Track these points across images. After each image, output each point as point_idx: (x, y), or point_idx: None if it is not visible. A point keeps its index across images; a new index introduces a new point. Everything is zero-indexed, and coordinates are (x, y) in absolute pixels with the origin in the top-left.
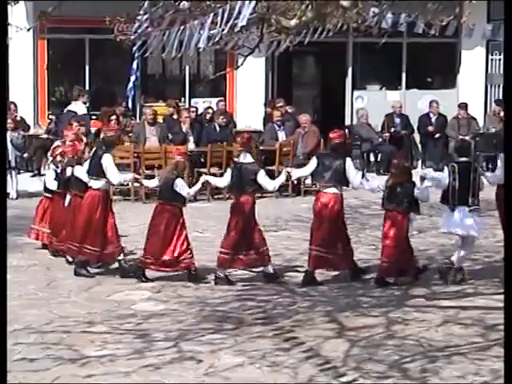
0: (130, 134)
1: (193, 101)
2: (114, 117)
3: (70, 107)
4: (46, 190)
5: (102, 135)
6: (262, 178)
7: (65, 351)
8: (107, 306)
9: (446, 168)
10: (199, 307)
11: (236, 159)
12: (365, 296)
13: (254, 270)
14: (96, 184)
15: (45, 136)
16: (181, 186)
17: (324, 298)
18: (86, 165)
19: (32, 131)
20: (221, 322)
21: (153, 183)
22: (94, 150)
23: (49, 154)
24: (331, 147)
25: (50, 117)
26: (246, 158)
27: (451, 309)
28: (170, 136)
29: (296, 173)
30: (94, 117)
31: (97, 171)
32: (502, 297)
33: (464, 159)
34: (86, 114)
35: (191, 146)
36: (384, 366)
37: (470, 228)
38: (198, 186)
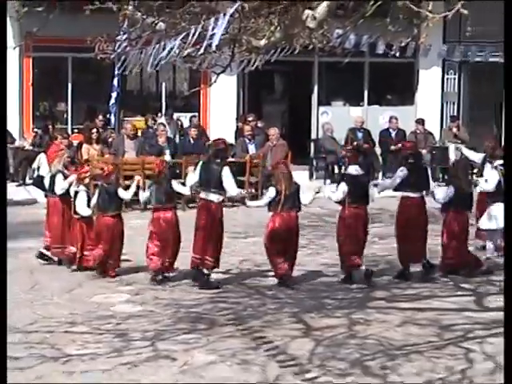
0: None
1: (175, 115)
2: (94, 130)
3: None
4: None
5: (212, 148)
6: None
7: (48, 350)
8: (88, 307)
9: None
10: (174, 309)
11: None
12: (329, 298)
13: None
14: (214, 197)
15: (30, 148)
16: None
17: (291, 300)
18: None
19: (17, 144)
20: (194, 322)
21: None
22: (201, 163)
23: (72, 177)
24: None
25: (35, 130)
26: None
27: (409, 310)
28: (148, 148)
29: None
30: (75, 130)
31: (214, 184)
32: (456, 299)
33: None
34: None
35: (167, 157)
36: (346, 364)
37: None
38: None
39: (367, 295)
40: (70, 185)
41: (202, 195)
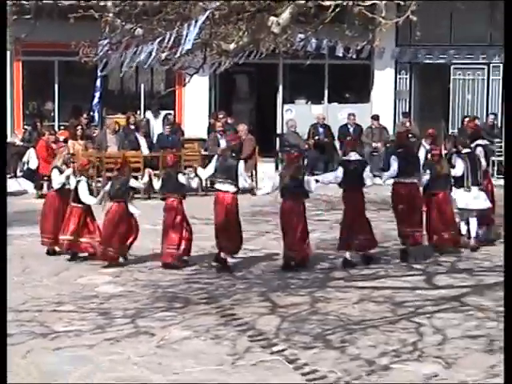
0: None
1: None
2: (79, 127)
3: None
4: (78, 201)
5: (226, 144)
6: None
7: (37, 327)
8: (74, 288)
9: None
10: (152, 289)
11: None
12: (293, 278)
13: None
14: (229, 187)
15: (20, 144)
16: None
17: (259, 280)
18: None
19: (9, 139)
20: (171, 301)
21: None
22: (216, 158)
23: (74, 167)
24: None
25: (25, 127)
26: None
27: (366, 289)
28: (127, 143)
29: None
30: (62, 127)
31: (230, 176)
32: (408, 278)
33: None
34: None
35: (145, 151)
36: (309, 338)
37: None
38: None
39: (328, 275)
40: (68, 178)
41: (218, 186)
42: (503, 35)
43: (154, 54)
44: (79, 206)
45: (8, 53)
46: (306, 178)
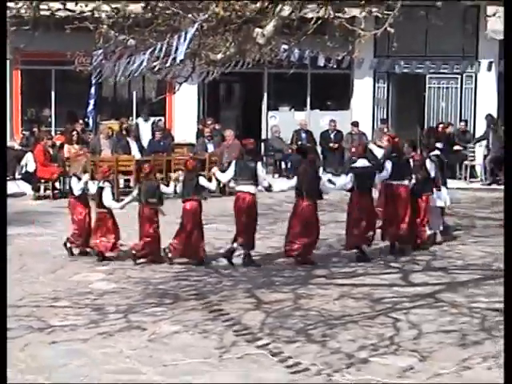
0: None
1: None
2: (75, 132)
3: None
4: (102, 206)
5: (245, 148)
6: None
7: (34, 322)
8: (69, 285)
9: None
10: (144, 286)
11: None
12: (277, 276)
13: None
14: (250, 188)
15: (19, 148)
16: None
17: (244, 277)
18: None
19: (8, 144)
20: (161, 297)
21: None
22: (235, 162)
23: (86, 177)
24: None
25: (23, 132)
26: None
27: (346, 286)
28: (120, 147)
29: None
30: (58, 132)
31: (250, 177)
32: (385, 276)
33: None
34: None
35: (137, 155)
36: (292, 332)
37: None
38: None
39: (310, 273)
40: (86, 184)
41: (239, 188)
42: (475, 47)
43: (145, 63)
44: (105, 210)
45: (7, 62)
46: (322, 180)
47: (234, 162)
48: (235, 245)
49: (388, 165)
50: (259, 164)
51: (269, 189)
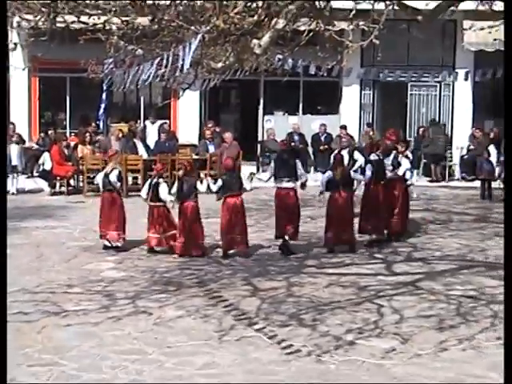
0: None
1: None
2: (87, 134)
3: None
4: (158, 199)
5: (280, 148)
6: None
7: (50, 307)
8: (82, 273)
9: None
10: (150, 274)
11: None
12: (272, 266)
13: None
14: (291, 184)
15: (36, 148)
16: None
17: (242, 267)
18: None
19: (27, 144)
20: (166, 285)
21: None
22: (274, 161)
23: (154, 171)
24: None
25: (40, 134)
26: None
27: (334, 275)
28: (128, 148)
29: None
30: (72, 134)
31: (292, 173)
32: (370, 266)
33: None
34: None
35: (145, 155)
36: (286, 317)
37: None
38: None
39: (301, 263)
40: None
41: (279, 184)
42: (452, 57)
43: (153, 72)
44: (160, 204)
45: (26, 70)
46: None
47: (273, 161)
48: (286, 237)
49: (368, 170)
50: (298, 162)
51: (304, 184)
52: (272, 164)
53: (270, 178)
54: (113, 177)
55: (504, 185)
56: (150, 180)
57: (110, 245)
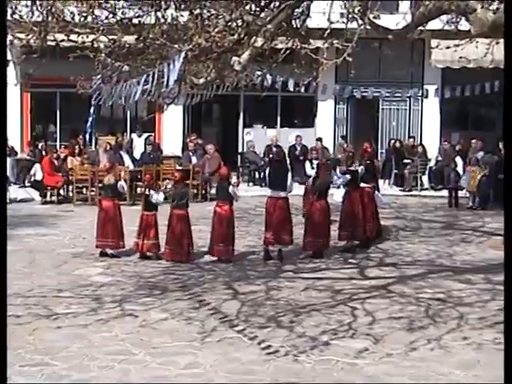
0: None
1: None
2: (77, 146)
3: None
4: (152, 208)
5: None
6: None
7: (41, 310)
8: (72, 278)
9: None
10: (136, 279)
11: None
12: (252, 270)
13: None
14: (283, 194)
15: (28, 159)
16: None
17: (223, 272)
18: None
19: (19, 156)
20: (151, 289)
21: None
22: (268, 171)
23: (145, 183)
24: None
25: (32, 146)
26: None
27: (310, 279)
28: (115, 160)
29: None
30: (62, 146)
31: (283, 185)
32: (345, 270)
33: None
34: None
35: (131, 166)
36: (264, 319)
37: None
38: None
39: (279, 268)
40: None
41: (272, 194)
42: (421, 74)
43: (140, 90)
44: (151, 213)
45: (18, 86)
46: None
47: (268, 172)
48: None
49: (360, 171)
50: (289, 173)
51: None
52: (266, 173)
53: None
54: (120, 187)
55: (504, 185)
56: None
57: (109, 253)
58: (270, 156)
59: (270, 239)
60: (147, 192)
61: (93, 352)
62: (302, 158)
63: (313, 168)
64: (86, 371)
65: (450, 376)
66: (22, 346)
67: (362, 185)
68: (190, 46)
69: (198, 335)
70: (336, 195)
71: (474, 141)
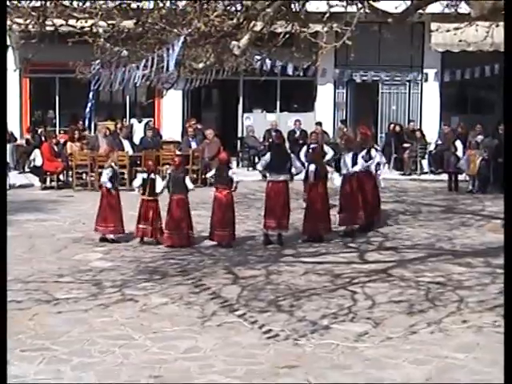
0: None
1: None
2: (76, 131)
3: None
4: (153, 194)
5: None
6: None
7: (42, 295)
8: (72, 263)
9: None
10: (136, 264)
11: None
12: (252, 255)
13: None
14: (284, 177)
15: (27, 145)
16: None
17: (223, 256)
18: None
19: (18, 142)
20: (151, 274)
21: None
22: (269, 155)
23: (147, 168)
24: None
25: (31, 132)
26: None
27: (310, 263)
28: (115, 145)
29: None
30: (62, 132)
31: (284, 168)
32: (345, 254)
33: None
34: None
35: (130, 151)
36: (265, 303)
37: None
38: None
39: (279, 252)
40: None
41: (273, 177)
42: (421, 58)
43: (140, 75)
44: (152, 198)
45: (17, 71)
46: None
47: (268, 155)
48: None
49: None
50: (293, 156)
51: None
52: (267, 157)
53: (264, 171)
54: (104, 176)
55: (504, 185)
56: (143, 176)
57: (109, 238)
58: (270, 140)
59: (271, 224)
60: (153, 176)
61: (93, 337)
62: (301, 142)
63: (306, 154)
64: (86, 356)
65: (450, 359)
66: (23, 331)
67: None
68: (189, 31)
69: (198, 320)
70: (336, 179)
71: (478, 126)
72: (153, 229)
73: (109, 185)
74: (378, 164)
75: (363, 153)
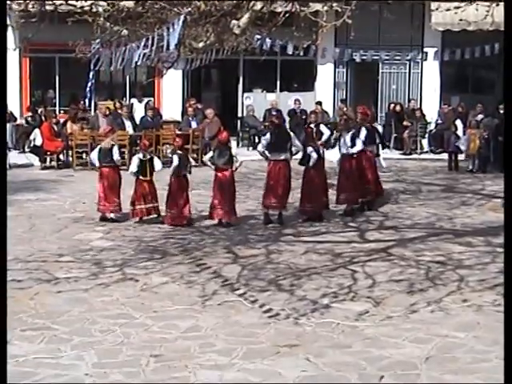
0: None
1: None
2: (76, 111)
3: None
4: (148, 173)
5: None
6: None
7: (42, 274)
8: (72, 243)
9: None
10: (137, 243)
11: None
12: (252, 234)
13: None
14: (285, 156)
15: (27, 125)
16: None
17: (224, 236)
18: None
19: (18, 122)
20: (152, 253)
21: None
22: (269, 135)
23: (143, 148)
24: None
25: (31, 111)
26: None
27: (311, 243)
28: (115, 124)
29: None
30: (62, 111)
31: (285, 147)
32: (345, 234)
33: None
34: None
35: (131, 131)
36: (265, 283)
37: None
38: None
39: (279, 232)
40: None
41: (273, 157)
42: (421, 37)
43: (141, 55)
44: (148, 179)
45: (17, 51)
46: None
47: (268, 135)
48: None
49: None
50: (292, 135)
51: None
52: (267, 137)
53: (264, 153)
54: (116, 154)
55: (504, 185)
56: (138, 155)
57: (109, 217)
58: (270, 120)
59: (271, 203)
60: (150, 155)
61: (94, 316)
62: (301, 121)
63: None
64: (87, 335)
65: (450, 338)
66: (24, 311)
67: (359, 148)
68: (189, 10)
69: (198, 299)
70: (331, 156)
71: (479, 105)
72: (151, 207)
73: (121, 160)
74: (377, 145)
75: (363, 133)
